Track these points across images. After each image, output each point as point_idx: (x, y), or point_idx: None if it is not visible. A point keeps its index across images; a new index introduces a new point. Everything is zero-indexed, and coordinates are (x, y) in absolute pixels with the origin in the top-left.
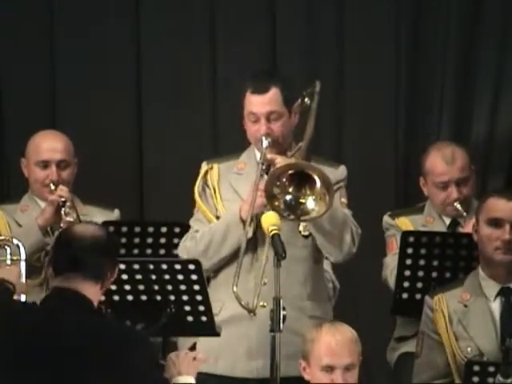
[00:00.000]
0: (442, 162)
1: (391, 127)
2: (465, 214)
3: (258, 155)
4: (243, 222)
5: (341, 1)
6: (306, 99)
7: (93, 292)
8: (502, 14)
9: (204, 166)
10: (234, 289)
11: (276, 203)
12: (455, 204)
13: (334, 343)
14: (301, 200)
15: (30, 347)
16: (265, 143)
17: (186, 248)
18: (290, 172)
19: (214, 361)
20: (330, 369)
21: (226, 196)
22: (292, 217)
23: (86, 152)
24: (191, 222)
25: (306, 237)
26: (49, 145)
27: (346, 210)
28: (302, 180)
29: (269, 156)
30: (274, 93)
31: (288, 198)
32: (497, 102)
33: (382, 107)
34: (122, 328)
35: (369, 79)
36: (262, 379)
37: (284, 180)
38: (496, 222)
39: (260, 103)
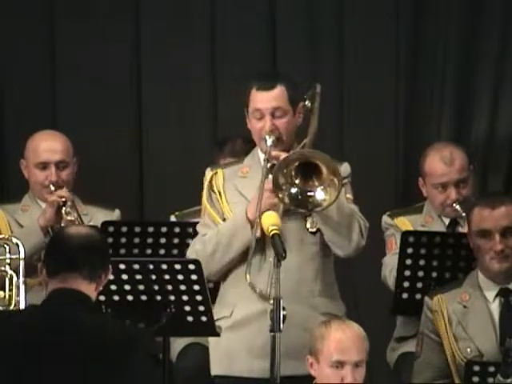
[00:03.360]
0: (441, 164)
1: (391, 127)
2: (464, 214)
3: (262, 157)
4: (250, 222)
5: (341, 1)
6: (307, 102)
7: (89, 292)
8: (502, 14)
9: (209, 173)
10: (248, 277)
11: (280, 195)
12: (454, 205)
13: (344, 339)
14: (309, 193)
15: (33, 346)
16: (269, 141)
17: (196, 251)
18: (296, 163)
19: (229, 362)
20: (339, 365)
21: (232, 199)
22: (302, 210)
23: (86, 152)
24: (198, 228)
25: (313, 233)
26: (47, 146)
27: (352, 205)
28: (308, 173)
29: (273, 153)
30: (280, 90)
31: (293, 190)
32: (497, 102)
33: (382, 107)
34: (123, 326)
35: (369, 79)
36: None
37: (291, 171)
38: (485, 234)
39: (266, 99)
